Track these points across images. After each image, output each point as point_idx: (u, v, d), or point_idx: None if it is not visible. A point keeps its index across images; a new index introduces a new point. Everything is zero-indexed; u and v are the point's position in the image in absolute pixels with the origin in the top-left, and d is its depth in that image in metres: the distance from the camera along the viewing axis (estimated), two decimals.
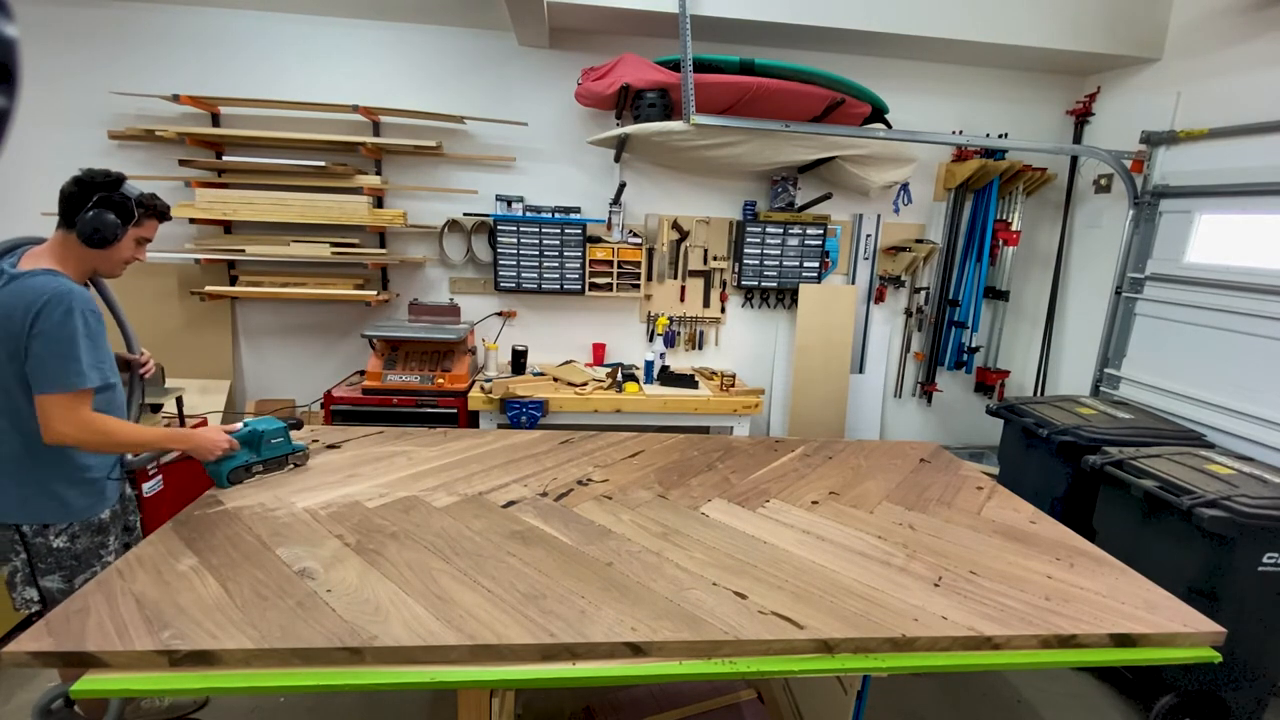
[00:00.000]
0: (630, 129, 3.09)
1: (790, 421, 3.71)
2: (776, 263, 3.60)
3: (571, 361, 3.67)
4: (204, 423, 2.36)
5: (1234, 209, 2.90)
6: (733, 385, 3.38)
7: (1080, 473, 2.64)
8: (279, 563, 1.48)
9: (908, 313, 3.93)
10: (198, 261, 3.26)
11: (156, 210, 1.69)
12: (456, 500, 1.86)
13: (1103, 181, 3.51)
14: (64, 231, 1.58)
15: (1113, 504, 2.50)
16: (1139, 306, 3.31)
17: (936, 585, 1.56)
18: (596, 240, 3.47)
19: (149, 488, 2.34)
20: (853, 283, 3.83)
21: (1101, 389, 3.46)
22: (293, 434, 2.05)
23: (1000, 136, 3.60)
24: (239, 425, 1.93)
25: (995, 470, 3.25)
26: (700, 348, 3.82)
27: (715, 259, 3.69)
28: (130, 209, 1.60)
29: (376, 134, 3.27)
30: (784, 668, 1.31)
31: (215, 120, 3.22)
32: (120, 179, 1.61)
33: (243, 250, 3.12)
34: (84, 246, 1.57)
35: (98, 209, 1.55)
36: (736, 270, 3.63)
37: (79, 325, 1.49)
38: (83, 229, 1.55)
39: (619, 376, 3.33)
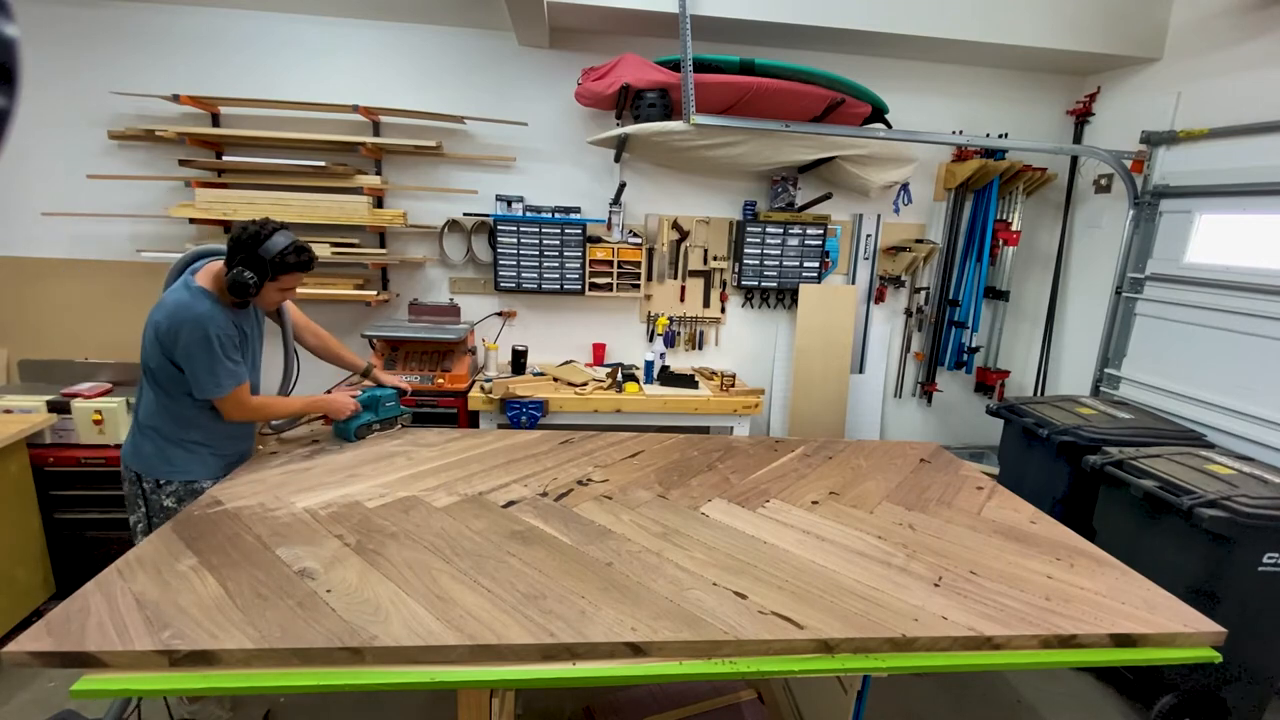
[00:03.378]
0: (630, 129, 3.09)
1: (790, 421, 3.71)
2: (776, 263, 3.60)
3: (571, 361, 3.67)
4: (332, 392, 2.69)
5: (1234, 209, 2.90)
6: (733, 385, 3.38)
7: (1080, 473, 2.64)
8: (279, 563, 1.48)
9: (908, 313, 3.93)
10: None
11: (295, 267, 1.91)
12: (456, 500, 1.86)
13: (1103, 181, 3.51)
14: (224, 266, 1.87)
15: (1113, 504, 2.50)
16: (1139, 306, 3.31)
17: (936, 585, 1.55)
18: (596, 240, 3.47)
19: None
20: (853, 283, 3.83)
21: (1101, 389, 3.46)
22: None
23: (1000, 136, 3.60)
24: (359, 391, 2.37)
25: (995, 470, 3.25)
26: (700, 348, 3.82)
27: (715, 259, 3.69)
28: (266, 269, 1.85)
29: (376, 134, 3.27)
30: (784, 668, 1.31)
31: (215, 120, 3.22)
32: (264, 235, 1.83)
33: None
34: None
35: (239, 267, 1.82)
36: (736, 270, 3.62)
37: (215, 346, 1.81)
38: (228, 283, 1.82)
39: (619, 376, 3.33)
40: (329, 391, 2.43)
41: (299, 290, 3.19)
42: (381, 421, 2.39)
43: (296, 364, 2.29)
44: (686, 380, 3.38)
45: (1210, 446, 2.66)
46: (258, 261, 1.83)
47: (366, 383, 2.50)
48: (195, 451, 1.95)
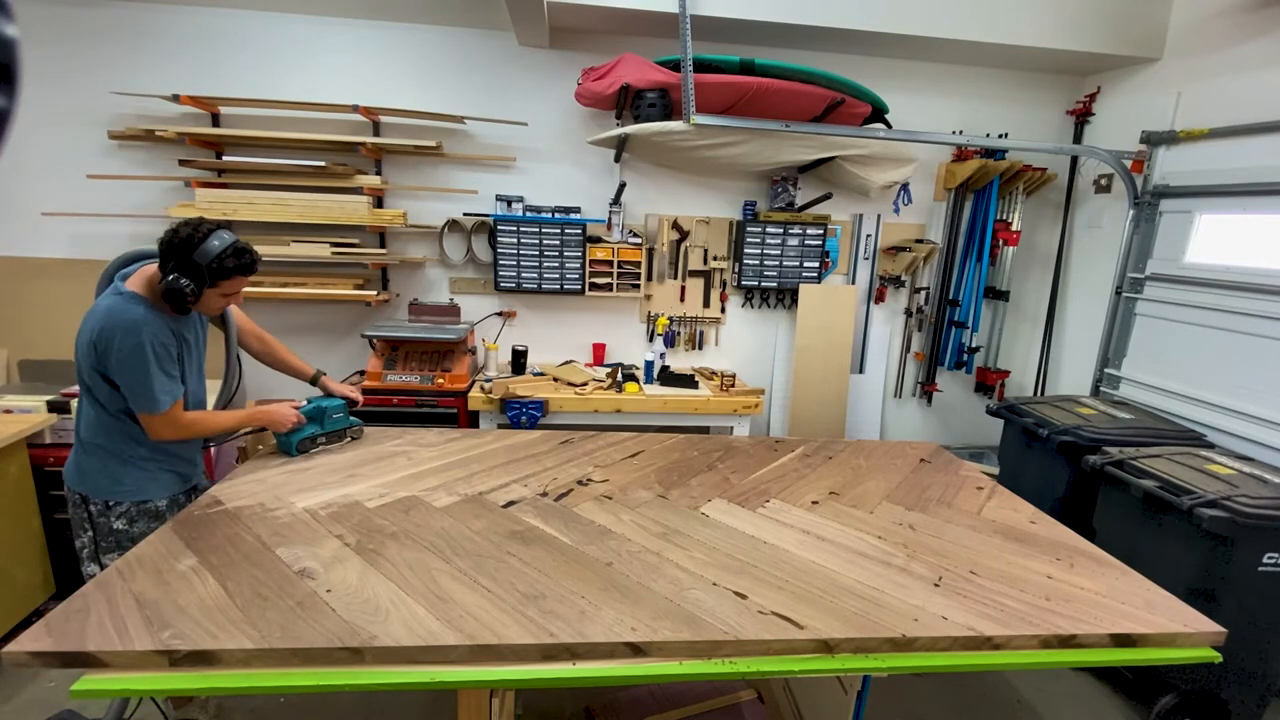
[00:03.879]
0: (630, 129, 3.09)
1: (790, 421, 3.71)
2: (776, 263, 3.60)
3: (571, 361, 3.67)
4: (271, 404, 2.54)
5: (1234, 209, 2.90)
6: (733, 385, 3.38)
7: (1080, 473, 2.64)
8: (279, 563, 1.48)
9: (908, 313, 3.93)
10: None
11: (236, 270, 1.75)
12: (456, 500, 1.86)
13: (1103, 181, 3.51)
14: (158, 271, 1.72)
15: (1113, 504, 2.50)
16: (1139, 306, 3.31)
17: (936, 585, 1.55)
18: (596, 240, 3.47)
19: None
20: (853, 283, 3.83)
21: (1101, 389, 3.46)
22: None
23: (1000, 136, 3.60)
24: (304, 402, 2.19)
25: (995, 470, 3.25)
26: (700, 348, 3.82)
27: (715, 259, 3.69)
28: (204, 276, 1.69)
29: (376, 134, 3.27)
30: (784, 668, 1.31)
31: (215, 120, 3.22)
32: (199, 238, 1.68)
33: None
34: None
35: (174, 274, 1.67)
36: (736, 270, 3.62)
37: (149, 355, 1.67)
38: (161, 291, 1.68)
39: (619, 376, 3.33)
40: (259, 404, 2.25)
41: (299, 291, 3.22)
42: (327, 434, 2.21)
43: (239, 374, 2.14)
44: (686, 380, 3.38)
45: (1210, 446, 2.66)
46: (193, 267, 1.67)
47: (315, 391, 2.33)
48: (146, 469, 1.82)
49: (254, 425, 2.05)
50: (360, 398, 2.35)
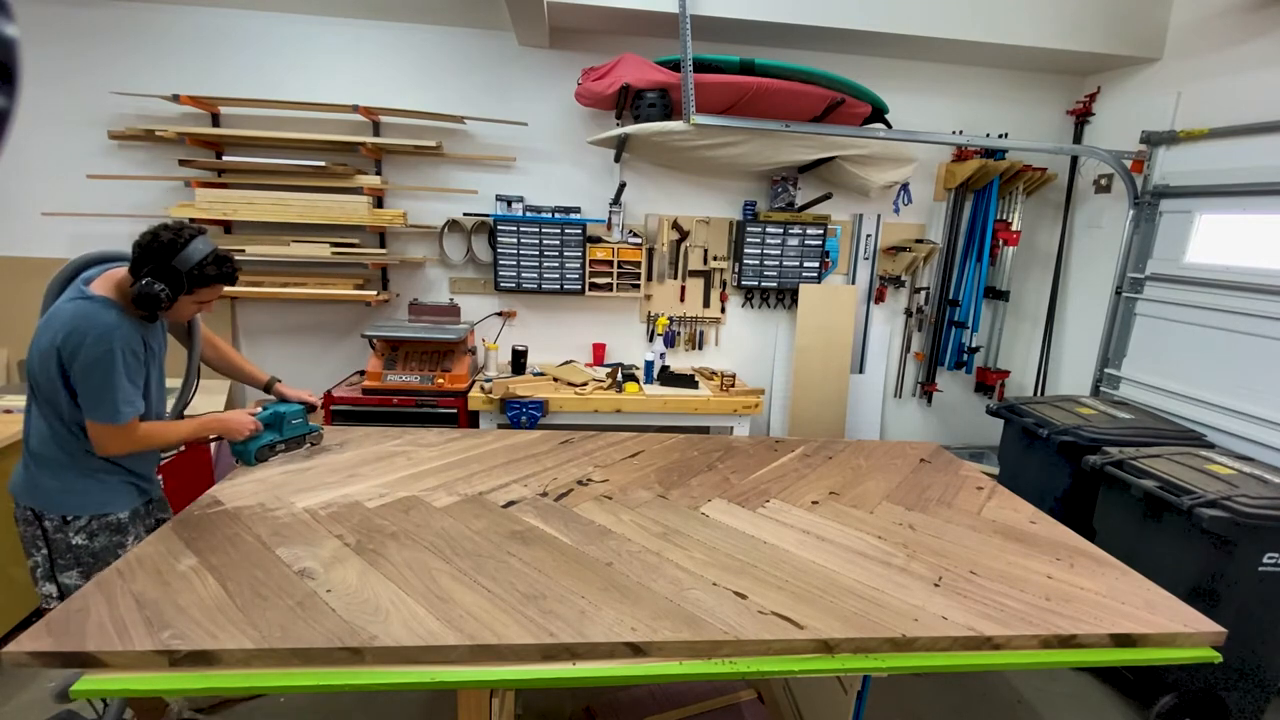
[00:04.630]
0: (630, 129, 3.09)
1: (790, 421, 3.71)
2: (776, 263, 3.60)
3: (571, 361, 3.67)
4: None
5: (1234, 209, 2.90)
6: (733, 385, 3.38)
7: (1080, 473, 2.64)
8: (279, 563, 1.48)
9: (908, 313, 3.93)
10: None
11: (216, 279, 1.70)
12: (457, 500, 1.86)
13: (1103, 181, 3.51)
14: (129, 275, 1.65)
15: (1113, 504, 2.50)
16: (1139, 306, 3.31)
17: (936, 585, 1.55)
18: (596, 240, 3.47)
19: None
20: (853, 283, 3.83)
21: (1102, 389, 3.46)
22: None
23: (1000, 136, 3.60)
24: (260, 409, 2.09)
25: (995, 470, 3.25)
26: (700, 348, 3.82)
27: (715, 259, 3.69)
28: (182, 282, 1.63)
29: (376, 134, 3.27)
30: (784, 668, 1.31)
31: (215, 120, 3.22)
32: (181, 243, 1.62)
33: (243, 250, 3.12)
34: None
35: (149, 279, 1.60)
36: (736, 270, 3.62)
37: (118, 364, 1.59)
38: (134, 295, 1.60)
39: (619, 376, 3.33)
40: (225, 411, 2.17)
41: (299, 291, 3.22)
42: (286, 441, 2.13)
43: (196, 385, 2.05)
44: (686, 380, 3.38)
45: (1210, 446, 2.66)
46: (171, 273, 1.61)
47: (269, 398, 2.24)
48: (106, 481, 1.72)
49: (209, 434, 1.97)
50: (317, 402, 2.26)
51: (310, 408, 2.22)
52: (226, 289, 1.94)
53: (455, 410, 3.11)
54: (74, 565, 1.71)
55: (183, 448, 2.07)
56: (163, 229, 1.64)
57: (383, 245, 3.44)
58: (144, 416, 1.72)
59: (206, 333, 2.09)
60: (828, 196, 3.61)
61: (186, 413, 2.04)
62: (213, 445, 3.01)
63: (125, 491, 1.78)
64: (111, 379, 1.59)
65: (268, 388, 2.20)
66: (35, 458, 1.68)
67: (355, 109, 3.10)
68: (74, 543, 1.70)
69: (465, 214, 3.44)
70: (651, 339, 3.75)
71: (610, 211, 3.49)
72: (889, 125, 3.35)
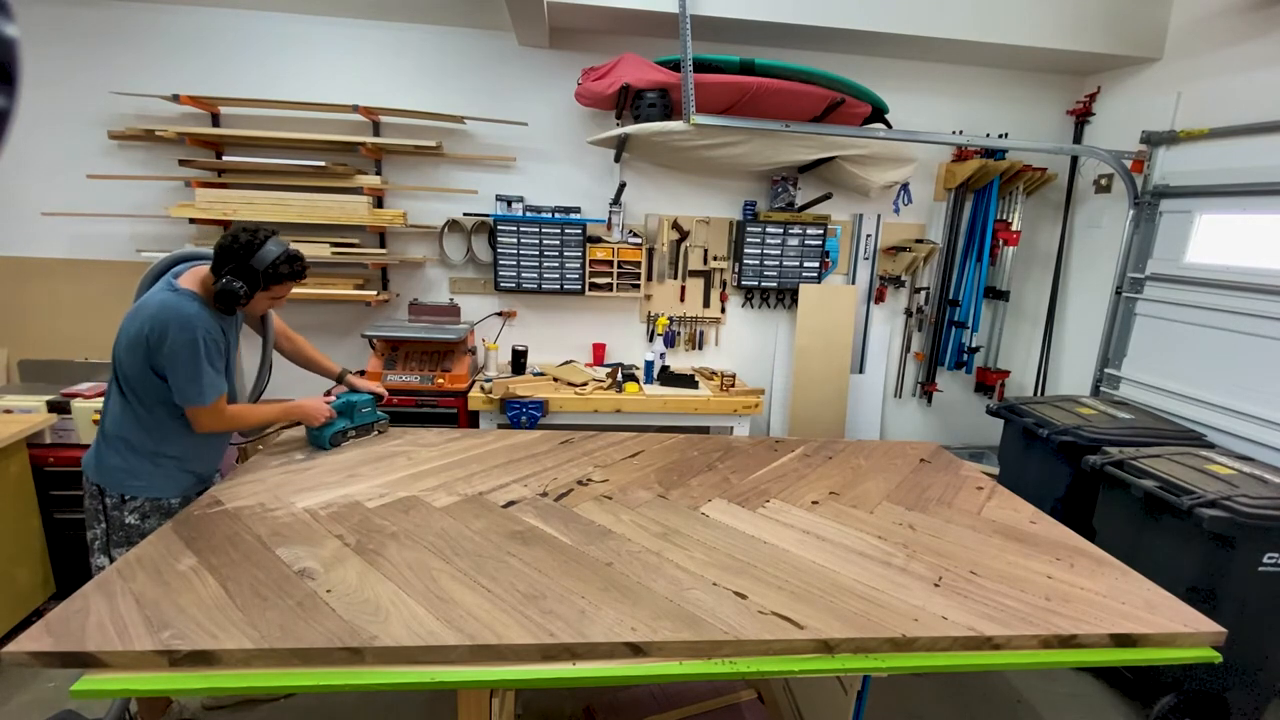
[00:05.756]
0: (630, 129, 3.09)
1: (790, 421, 3.71)
2: (776, 263, 3.60)
3: (571, 361, 3.67)
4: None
5: (1234, 209, 2.90)
6: (733, 385, 3.38)
7: (1080, 473, 2.64)
8: (279, 563, 1.48)
9: (908, 313, 3.93)
10: None
11: (288, 277, 1.85)
12: (456, 500, 1.86)
13: (1103, 181, 3.51)
14: (211, 273, 1.81)
15: (1113, 504, 2.50)
16: (1139, 306, 3.31)
17: (936, 585, 1.55)
18: (596, 240, 3.47)
19: None
20: (853, 283, 3.83)
21: (1102, 389, 3.46)
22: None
23: (1000, 136, 3.60)
24: (334, 397, 2.26)
25: (995, 470, 3.25)
26: (700, 348, 3.82)
27: (715, 259, 3.69)
28: (258, 280, 1.79)
29: (376, 134, 3.27)
30: (784, 668, 1.31)
31: (215, 120, 3.22)
32: (257, 244, 1.78)
33: None
34: None
35: (229, 276, 1.76)
36: (736, 270, 3.62)
37: (201, 350, 1.74)
38: (216, 292, 1.76)
39: (619, 376, 3.33)
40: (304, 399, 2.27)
41: (299, 290, 3.21)
42: (357, 428, 2.30)
43: (269, 374, 2.21)
44: (686, 380, 3.38)
45: (1210, 446, 2.66)
46: (249, 271, 1.77)
47: (340, 388, 2.40)
48: (163, 466, 1.85)
49: (290, 419, 2.14)
50: (385, 393, 2.42)
51: (379, 397, 2.39)
52: None
53: (455, 410, 3.11)
54: (125, 543, 1.82)
55: (269, 430, 2.23)
56: (241, 231, 1.79)
57: (383, 245, 3.44)
58: (229, 400, 1.89)
59: (281, 326, 2.24)
60: (828, 196, 3.61)
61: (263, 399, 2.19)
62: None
63: (180, 478, 1.89)
64: (197, 364, 1.74)
65: (340, 378, 2.38)
66: (106, 438, 1.82)
67: (355, 109, 3.10)
68: (127, 521, 1.83)
69: (465, 214, 3.44)
70: (651, 339, 3.75)
71: (610, 211, 3.49)
72: (889, 125, 3.35)
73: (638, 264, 3.50)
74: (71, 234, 3.24)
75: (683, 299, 3.74)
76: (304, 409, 2.14)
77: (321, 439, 2.20)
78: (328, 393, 2.41)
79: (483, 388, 3.13)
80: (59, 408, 2.60)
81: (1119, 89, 3.49)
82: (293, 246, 1.88)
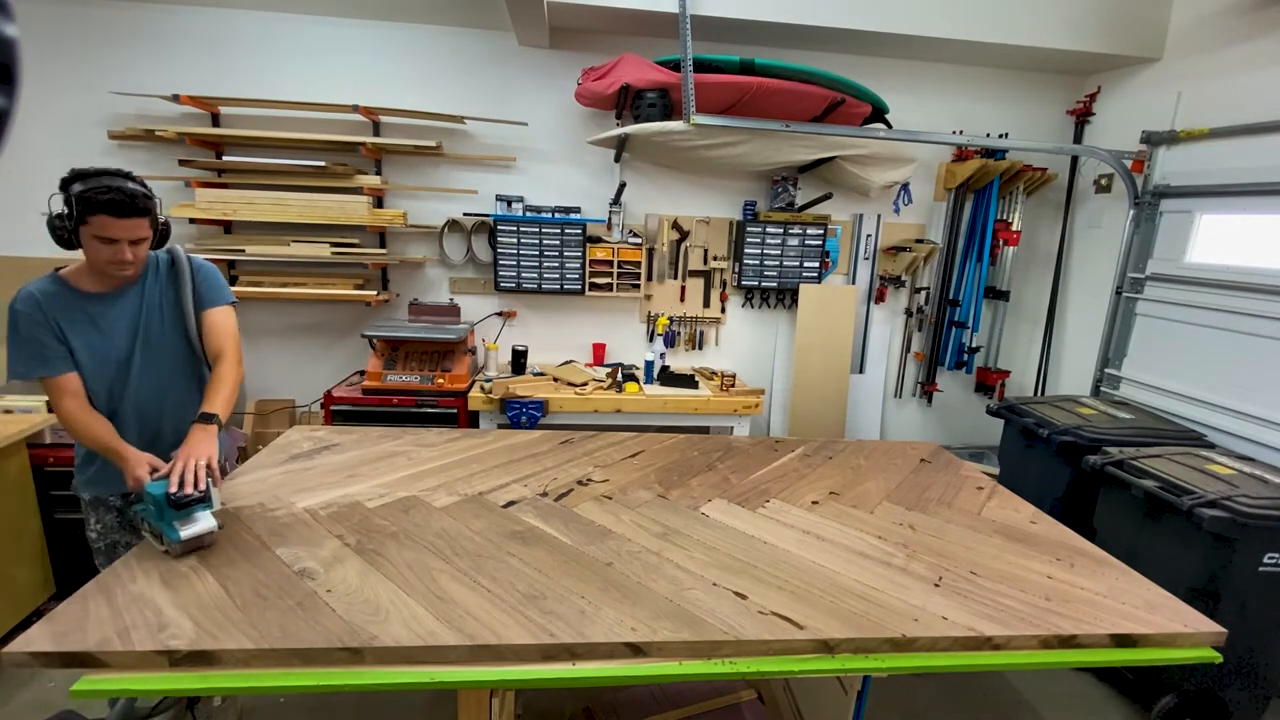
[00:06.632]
0: (630, 129, 3.09)
1: (790, 421, 3.71)
2: (776, 263, 3.60)
3: (571, 361, 3.67)
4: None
5: (1234, 209, 2.90)
6: (733, 385, 3.38)
7: (1080, 473, 2.64)
8: (279, 563, 1.48)
9: (908, 313, 3.93)
10: None
11: (100, 207, 1.53)
12: (456, 500, 1.86)
13: (1103, 181, 3.51)
14: None
15: (1113, 504, 2.50)
16: (1139, 306, 3.30)
17: (937, 585, 1.55)
18: (596, 240, 3.47)
19: None
20: (853, 283, 3.82)
21: (1102, 389, 3.46)
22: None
23: (1000, 136, 3.60)
24: (162, 470, 1.57)
25: (995, 470, 3.25)
26: (700, 348, 3.82)
27: (715, 259, 3.69)
28: (73, 210, 1.55)
29: (376, 134, 3.27)
30: (784, 668, 1.31)
31: (215, 120, 3.22)
32: (83, 174, 1.56)
33: (243, 250, 3.12)
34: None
35: (52, 211, 1.59)
36: (736, 270, 3.62)
37: (17, 321, 1.65)
38: (47, 226, 1.62)
39: (619, 376, 3.33)
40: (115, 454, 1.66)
41: (299, 291, 3.22)
42: (149, 527, 1.51)
43: (225, 392, 1.75)
44: (686, 380, 3.38)
45: (1210, 446, 2.66)
46: (67, 201, 1.56)
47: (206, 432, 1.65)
48: (96, 459, 1.75)
49: (111, 458, 1.64)
50: (212, 489, 1.54)
51: (199, 499, 1.49)
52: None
53: (455, 410, 3.11)
54: (97, 544, 1.86)
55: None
56: (76, 170, 1.59)
57: (383, 245, 3.44)
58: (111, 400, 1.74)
59: (221, 342, 1.81)
60: (828, 196, 3.61)
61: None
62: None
63: (89, 473, 1.82)
64: (11, 335, 1.63)
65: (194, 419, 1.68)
66: None
67: (355, 109, 3.10)
68: (89, 519, 1.86)
69: (465, 214, 3.44)
70: (651, 339, 3.75)
71: (610, 211, 3.49)
72: (889, 125, 3.35)
73: (638, 264, 3.50)
74: None
75: (683, 299, 3.74)
76: (126, 461, 1.60)
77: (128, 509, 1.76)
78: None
79: (483, 388, 3.13)
80: None
81: (1119, 89, 3.49)
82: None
